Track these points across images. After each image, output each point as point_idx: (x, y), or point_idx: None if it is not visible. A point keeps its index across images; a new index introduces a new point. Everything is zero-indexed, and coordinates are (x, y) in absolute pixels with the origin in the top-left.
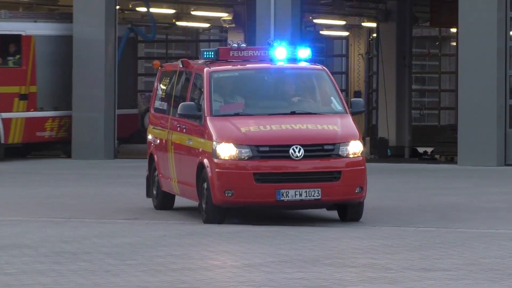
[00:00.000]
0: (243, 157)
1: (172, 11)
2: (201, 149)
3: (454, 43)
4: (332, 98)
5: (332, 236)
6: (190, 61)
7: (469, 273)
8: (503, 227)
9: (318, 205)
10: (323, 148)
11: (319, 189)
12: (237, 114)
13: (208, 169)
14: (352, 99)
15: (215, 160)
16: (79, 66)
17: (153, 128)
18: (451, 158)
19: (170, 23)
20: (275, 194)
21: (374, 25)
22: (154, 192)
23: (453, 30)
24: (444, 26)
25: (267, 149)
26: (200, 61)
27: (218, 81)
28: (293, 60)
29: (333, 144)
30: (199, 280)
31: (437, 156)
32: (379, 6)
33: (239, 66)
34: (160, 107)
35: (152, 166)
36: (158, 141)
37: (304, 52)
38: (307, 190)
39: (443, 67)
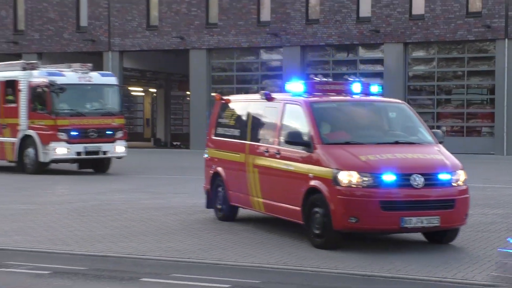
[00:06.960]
0: (365, 184)
1: None
2: (311, 174)
3: None
4: (420, 129)
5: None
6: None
7: None
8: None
9: (436, 232)
10: (439, 177)
11: (438, 217)
12: (347, 143)
13: (328, 195)
14: (433, 130)
15: (337, 187)
16: None
17: (216, 150)
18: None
19: None
20: (399, 221)
21: (154, 90)
22: (219, 206)
23: None
24: None
25: (391, 177)
26: (280, 95)
27: (319, 111)
28: (367, 94)
29: (448, 173)
30: None
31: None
32: (156, 82)
33: (334, 98)
34: (227, 133)
35: (215, 182)
36: (228, 161)
37: (376, 88)
38: (428, 218)
39: None
